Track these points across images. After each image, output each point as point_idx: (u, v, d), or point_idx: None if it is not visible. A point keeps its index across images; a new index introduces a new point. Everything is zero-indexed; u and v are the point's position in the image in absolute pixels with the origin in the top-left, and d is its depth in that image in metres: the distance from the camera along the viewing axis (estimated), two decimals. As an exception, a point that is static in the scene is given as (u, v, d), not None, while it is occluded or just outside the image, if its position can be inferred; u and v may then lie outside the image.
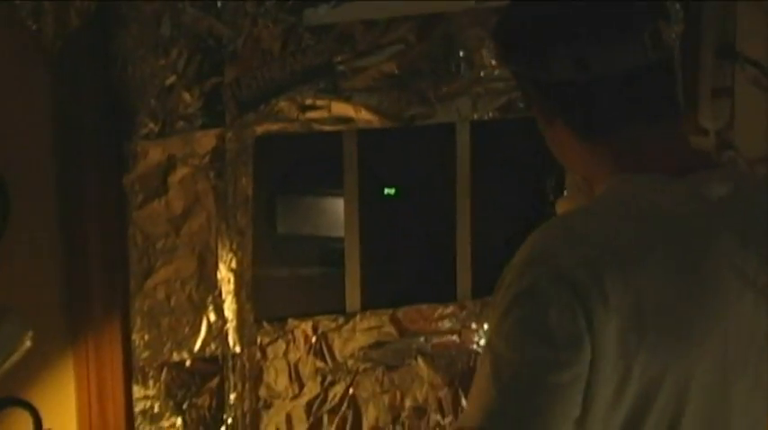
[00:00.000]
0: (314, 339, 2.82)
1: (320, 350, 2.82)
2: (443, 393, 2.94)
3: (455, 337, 2.94)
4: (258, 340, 2.75)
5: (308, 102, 2.66)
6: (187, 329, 2.64)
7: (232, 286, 2.67)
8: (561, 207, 2.07)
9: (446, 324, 2.93)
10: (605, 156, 1.73)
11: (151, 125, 2.54)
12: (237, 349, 2.69)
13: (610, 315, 1.58)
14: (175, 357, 2.64)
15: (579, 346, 1.57)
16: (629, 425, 1.63)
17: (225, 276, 2.66)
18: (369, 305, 2.91)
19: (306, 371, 2.82)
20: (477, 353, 2.93)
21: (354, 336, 2.86)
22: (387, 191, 3.02)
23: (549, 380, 1.57)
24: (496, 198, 3.05)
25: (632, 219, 1.67)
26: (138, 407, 2.62)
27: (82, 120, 2.53)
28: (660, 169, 1.70)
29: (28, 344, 2.29)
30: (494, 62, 2.77)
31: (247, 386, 2.73)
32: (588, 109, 1.71)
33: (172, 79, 2.54)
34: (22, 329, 2.28)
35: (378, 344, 2.87)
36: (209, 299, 2.66)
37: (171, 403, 2.65)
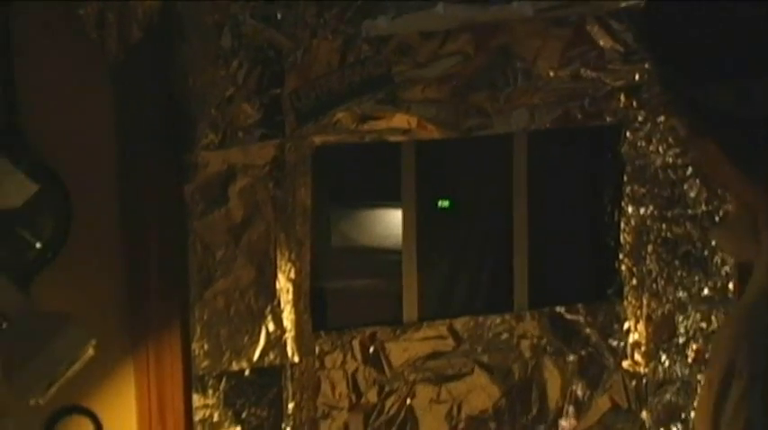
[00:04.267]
0: (371, 349, 2.83)
1: (377, 360, 2.83)
2: (500, 403, 2.93)
3: (512, 348, 2.93)
4: (316, 350, 2.76)
5: (367, 113, 2.67)
6: (246, 339, 2.65)
7: (291, 296, 2.68)
8: (720, 238, 1.97)
9: (503, 334, 2.93)
10: None
11: (212, 136, 2.56)
12: (296, 359, 2.70)
13: None
14: (234, 366, 2.65)
15: None
16: None
17: (283, 286, 2.67)
18: (426, 316, 2.91)
19: (363, 381, 2.83)
20: (532, 363, 2.94)
21: (411, 347, 2.86)
22: (441, 203, 3.02)
23: None
24: (553, 209, 3.05)
25: None
26: (197, 416, 2.64)
27: (143, 130, 2.55)
28: None
29: (90, 352, 2.32)
30: (551, 73, 2.76)
31: (305, 396, 2.73)
32: (750, 144, 1.58)
33: (232, 90, 2.55)
34: (85, 337, 2.31)
35: (435, 355, 2.88)
36: (268, 308, 2.66)
37: (230, 412, 2.66)
